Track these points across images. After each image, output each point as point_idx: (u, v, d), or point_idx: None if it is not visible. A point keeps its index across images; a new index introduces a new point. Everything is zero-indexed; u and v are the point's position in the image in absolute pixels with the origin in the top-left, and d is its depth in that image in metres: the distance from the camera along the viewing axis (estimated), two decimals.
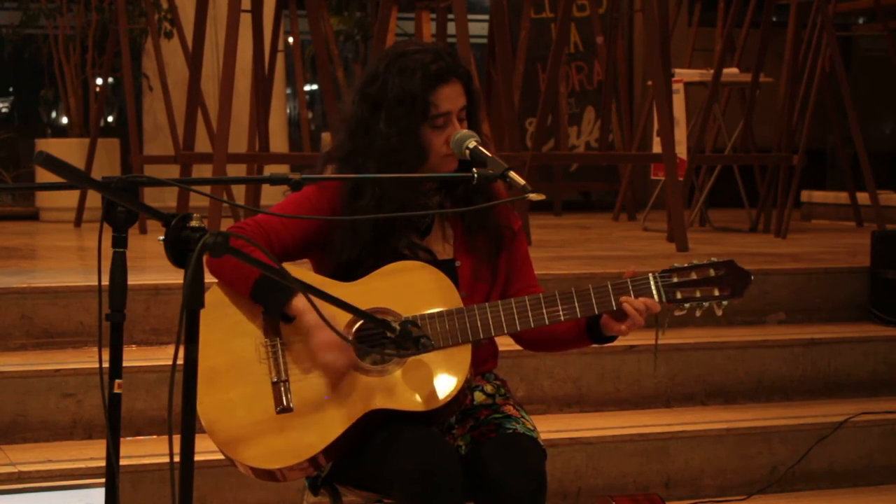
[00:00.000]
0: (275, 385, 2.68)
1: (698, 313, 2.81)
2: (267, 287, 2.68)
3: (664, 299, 2.78)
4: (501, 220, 2.91)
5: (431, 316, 2.70)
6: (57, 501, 3.18)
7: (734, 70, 7.98)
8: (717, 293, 2.79)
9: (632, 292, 2.76)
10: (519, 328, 2.76)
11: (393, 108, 2.80)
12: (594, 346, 2.92)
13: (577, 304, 2.75)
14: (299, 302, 2.67)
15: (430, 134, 2.81)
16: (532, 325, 2.75)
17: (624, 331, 2.78)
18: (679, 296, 2.78)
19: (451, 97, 2.81)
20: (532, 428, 2.83)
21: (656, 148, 7.63)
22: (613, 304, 2.76)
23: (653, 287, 2.77)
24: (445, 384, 2.68)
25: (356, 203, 2.80)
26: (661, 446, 4.32)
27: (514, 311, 2.74)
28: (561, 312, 2.75)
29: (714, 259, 2.82)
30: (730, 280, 2.80)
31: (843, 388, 4.88)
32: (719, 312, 2.81)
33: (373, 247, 2.80)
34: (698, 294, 2.78)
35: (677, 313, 2.82)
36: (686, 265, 2.81)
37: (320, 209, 2.81)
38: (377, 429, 2.67)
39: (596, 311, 2.77)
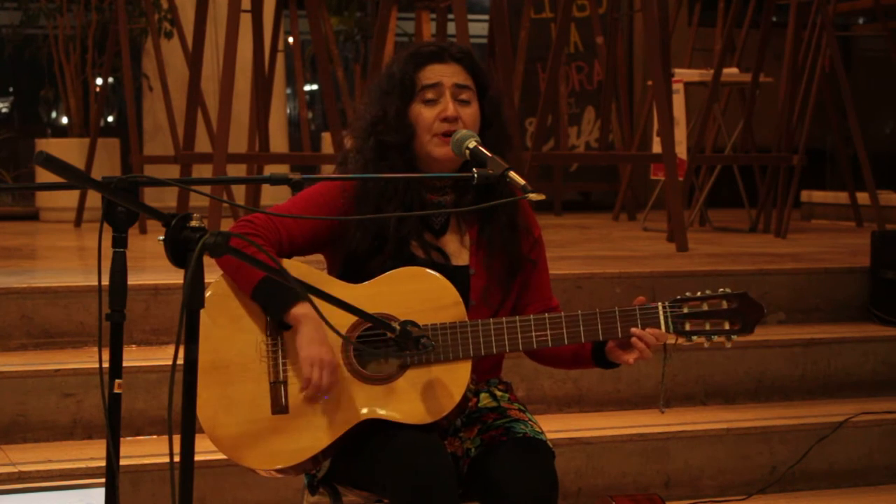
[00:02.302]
0: (272, 385, 2.68)
1: (707, 345, 2.76)
2: (268, 293, 2.66)
3: (671, 330, 2.72)
4: (522, 250, 2.86)
5: (434, 327, 2.67)
6: (57, 501, 3.18)
7: (734, 70, 7.98)
8: (727, 327, 2.74)
9: (639, 321, 2.71)
10: (521, 348, 2.72)
11: (378, 88, 2.83)
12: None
13: (581, 328, 2.70)
14: (298, 311, 2.64)
15: (419, 110, 2.79)
16: (535, 347, 2.72)
17: (631, 362, 2.73)
18: (688, 328, 2.72)
19: (440, 72, 2.80)
20: (540, 430, 2.82)
21: (656, 148, 7.63)
22: (619, 332, 2.71)
23: (661, 317, 2.72)
24: (442, 399, 2.66)
25: (361, 193, 2.78)
26: (661, 446, 4.32)
27: (518, 331, 2.70)
28: (565, 336, 2.71)
29: (728, 290, 2.76)
30: (742, 313, 2.74)
31: (843, 388, 4.88)
32: (728, 345, 2.77)
33: (382, 241, 2.77)
34: (708, 327, 2.73)
35: (684, 344, 2.78)
36: (698, 295, 2.75)
37: (333, 205, 2.79)
38: (374, 432, 2.66)
39: (601, 338, 2.72)
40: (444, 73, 2.79)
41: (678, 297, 2.75)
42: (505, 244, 2.83)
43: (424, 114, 2.78)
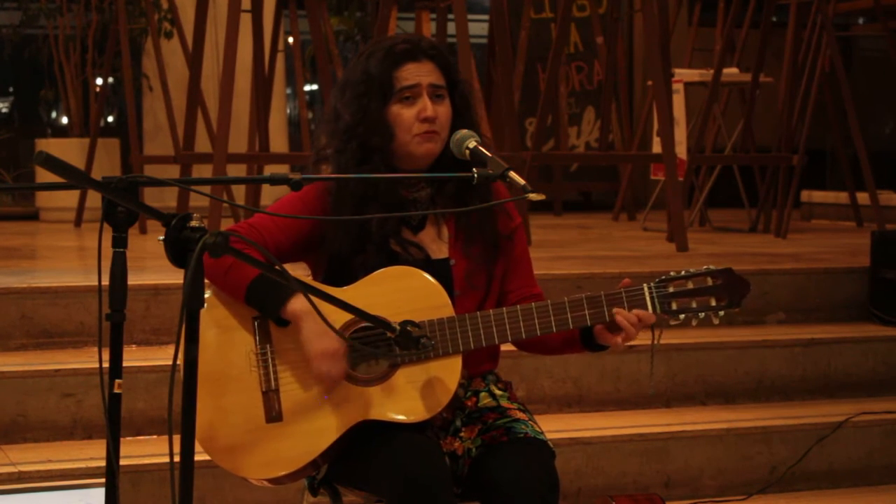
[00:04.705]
0: (265, 394, 2.68)
1: (695, 323, 2.75)
2: (262, 290, 2.66)
3: (659, 310, 2.72)
4: (499, 228, 2.87)
5: (422, 324, 2.67)
6: (57, 501, 3.18)
7: (734, 70, 7.98)
8: (713, 303, 2.74)
9: (625, 303, 2.72)
10: (510, 339, 2.73)
11: (354, 88, 2.81)
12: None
13: (569, 315, 2.71)
14: (294, 305, 2.65)
15: (397, 110, 2.79)
16: (524, 337, 2.72)
17: (619, 343, 2.73)
18: (674, 306, 2.73)
19: (417, 72, 2.79)
20: (540, 430, 2.83)
21: (656, 148, 7.63)
22: (607, 315, 2.71)
23: (647, 298, 2.72)
24: (439, 393, 2.66)
25: (337, 195, 2.79)
26: (661, 446, 4.32)
27: (507, 322, 2.71)
28: (553, 324, 2.72)
29: (711, 267, 2.76)
30: (727, 289, 2.74)
31: (843, 388, 4.88)
32: (716, 321, 2.76)
33: (362, 240, 2.77)
34: (694, 304, 2.73)
35: (673, 323, 2.79)
36: (682, 273, 2.75)
37: (313, 209, 2.80)
38: (369, 433, 2.67)
39: (588, 323, 2.73)
40: (421, 73, 2.80)
41: (663, 276, 2.75)
42: (482, 226, 2.84)
43: (404, 114, 2.79)
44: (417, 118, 2.78)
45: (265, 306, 2.68)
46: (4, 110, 11.93)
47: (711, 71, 7.56)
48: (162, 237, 2.18)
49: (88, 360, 4.17)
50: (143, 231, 7.19)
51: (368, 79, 2.80)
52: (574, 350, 2.88)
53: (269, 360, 2.69)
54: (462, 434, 2.81)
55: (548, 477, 2.69)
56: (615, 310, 2.70)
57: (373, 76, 2.80)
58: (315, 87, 11.54)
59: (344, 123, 2.81)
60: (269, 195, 7.90)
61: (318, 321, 2.59)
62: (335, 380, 2.66)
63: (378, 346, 2.68)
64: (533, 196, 2.55)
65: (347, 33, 10.26)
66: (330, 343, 2.63)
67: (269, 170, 7.52)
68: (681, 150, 7.32)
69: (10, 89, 11.90)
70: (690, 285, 2.75)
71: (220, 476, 3.84)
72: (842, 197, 8.68)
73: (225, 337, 2.70)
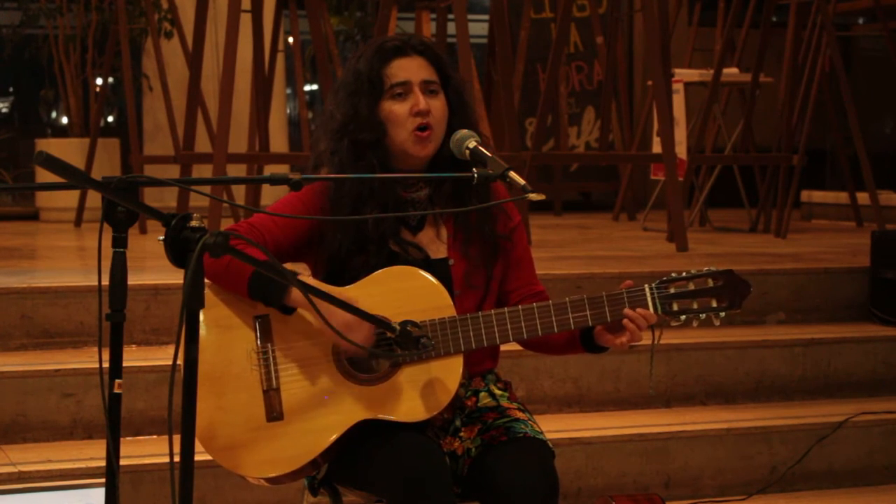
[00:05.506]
0: (266, 393, 2.68)
1: (695, 324, 2.76)
2: (265, 279, 2.66)
3: (660, 311, 2.73)
4: (498, 228, 2.87)
5: (422, 324, 2.67)
6: (57, 501, 3.18)
7: (734, 70, 7.98)
8: (714, 304, 2.75)
9: (627, 304, 2.72)
10: (512, 339, 2.73)
11: (346, 88, 2.83)
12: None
13: (571, 315, 2.72)
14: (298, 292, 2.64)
15: (389, 107, 2.79)
16: (525, 337, 2.73)
17: (623, 344, 2.74)
18: (676, 307, 2.74)
19: (408, 68, 2.80)
20: (540, 430, 2.83)
21: (656, 148, 7.63)
22: (608, 316, 2.72)
23: (648, 299, 2.73)
24: (439, 394, 2.66)
25: (334, 196, 2.79)
26: (661, 446, 4.32)
27: (508, 322, 2.71)
28: (555, 324, 2.72)
29: (712, 268, 2.77)
30: (728, 290, 2.75)
31: (843, 388, 4.88)
32: (717, 323, 2.77)
33: (361, 241, 2.77)
34: (695, 305, 2.74)
35: (674, 324, 2.79)
36: (684, 275, 2.76)
37: (312, 208, 2.80)
38: (369, 433, 2.67)
39: (590, 324, 2.73)
40: (411, 69, 2.80)
41: (664, 277, 2.76)
42: (481, 226, 2.84)
43: (396, 109, 2.79)
44: (410, 113, 2.78)
45: (269, 295, 2.67)
46: (4, 110, 11.93)
47: (711, 71, 7.56)
48: (162, 237, 2.18)
49: (88, 360, 4.17)
50: (143, 231, 7.19)
51: (358, 77, 2.81)
52: (575, 351, 2.88)
53: (270, 359, 2.69)
54: (462, 434, 2.81)
55: (547, 477, 2.69)
56: (625, 311, 2.71)
57: (363, 74, 2.81)
58: (315, 87, 11.54)
59: (336, 123, 2.82)
60: (269, 195, 7.90)
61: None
62: (367, 339, 2.63)
63: (378, 346, 2.69)
64: (533, 196, 2.55)
65: (347, 33, 10.26)
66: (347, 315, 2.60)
67: (269, 170, 7.52)
68: (681, 150, 7.32)
69: (10, 89, 11.89)
70: (691, 286, 2.75)
71: (221, 476, 3.84)
72: (842, 197, 8.68)
73: (225, 336, 2.70)
